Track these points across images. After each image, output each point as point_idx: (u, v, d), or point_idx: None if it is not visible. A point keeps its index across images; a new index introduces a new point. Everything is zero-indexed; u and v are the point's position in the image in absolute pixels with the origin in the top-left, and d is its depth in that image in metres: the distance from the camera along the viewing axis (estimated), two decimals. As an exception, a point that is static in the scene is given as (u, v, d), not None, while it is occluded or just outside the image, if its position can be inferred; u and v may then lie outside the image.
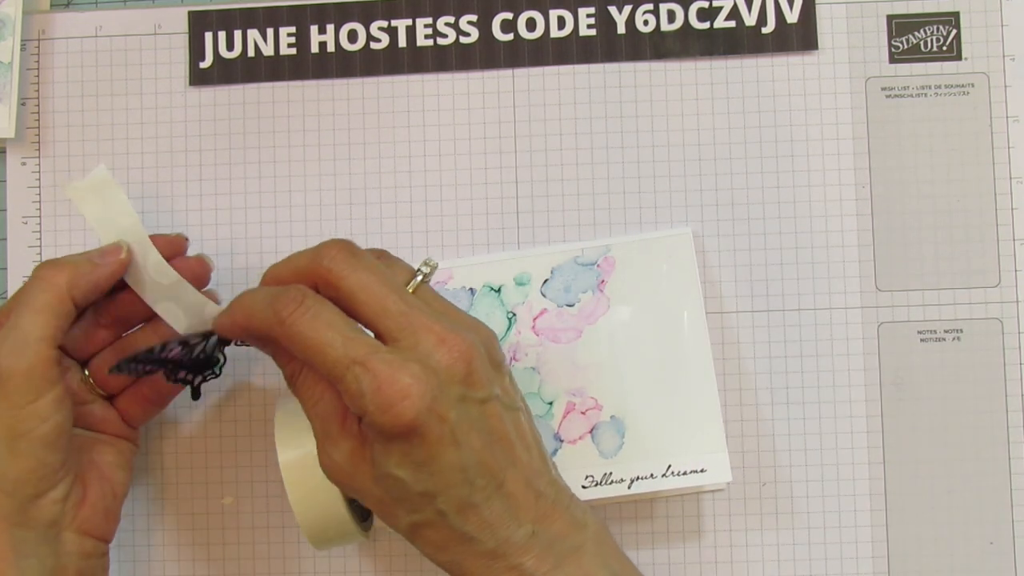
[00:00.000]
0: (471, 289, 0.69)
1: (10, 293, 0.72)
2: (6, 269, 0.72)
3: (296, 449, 0.62)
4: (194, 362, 0.62)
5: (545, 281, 0.68)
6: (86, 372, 0.65)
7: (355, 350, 0.54)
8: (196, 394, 0.64)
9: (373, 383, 0.54)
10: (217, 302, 0.64)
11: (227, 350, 0.63)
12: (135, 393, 0.66)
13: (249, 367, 0.71)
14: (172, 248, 0.65)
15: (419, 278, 0.58)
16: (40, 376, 0.59)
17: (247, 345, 0.60)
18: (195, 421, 0.71)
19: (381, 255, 0.60)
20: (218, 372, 0.64)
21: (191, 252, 0.67)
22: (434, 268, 0.59)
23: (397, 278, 0.58)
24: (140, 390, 0.66)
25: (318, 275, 0.57)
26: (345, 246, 0.57)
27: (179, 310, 0.63)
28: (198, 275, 0.65)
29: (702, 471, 0.66)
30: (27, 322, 0.59)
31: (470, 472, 0.55)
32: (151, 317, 0.64)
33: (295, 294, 0.56)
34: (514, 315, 0.68)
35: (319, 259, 0.57)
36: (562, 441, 0.67)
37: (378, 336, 0.56)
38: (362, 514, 0.65)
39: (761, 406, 0.70)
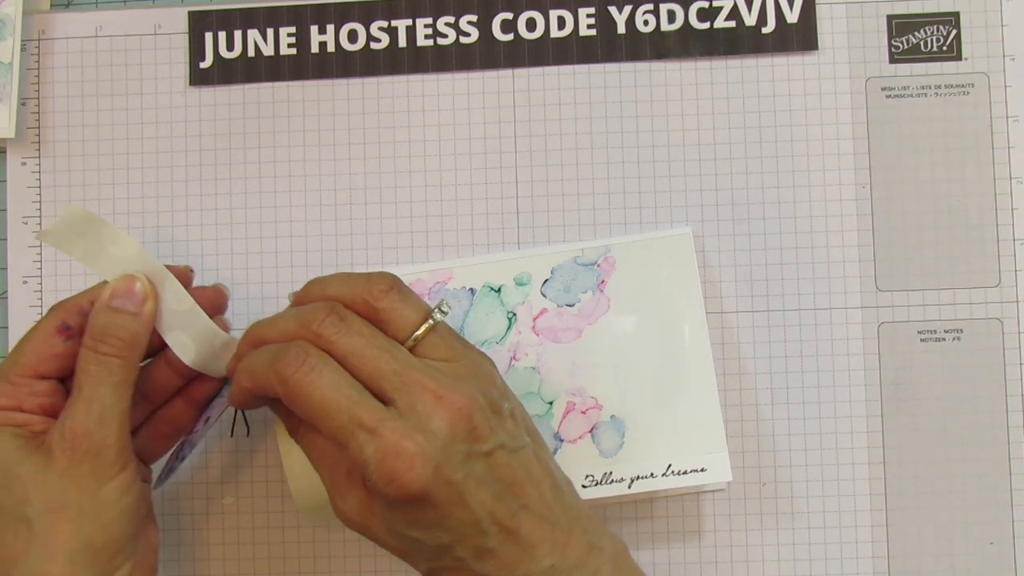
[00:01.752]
0: (471, 289, 0.69)
1: (10, 293, 0.72)
2: (6, 269, 0.72)
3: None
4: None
5: (545, 281, 0.69)
6: None
7: (360, 415, 0.54)
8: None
9: (377, 453, 0.53)
10: (227, 330, 0.64)
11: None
12: (154, 431, 0.65)
13: (249, 367, 0.71)
14: (180, 280, 0.64)
15: (430, 322, 0.57)
16: (125, 447, 0.59)
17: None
18: (195, 421, 0.71)
19: (392, 288, 0.58)
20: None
21: (198, 263, 0.67)
22: (446, 313, 0.58)
23: (401, 326, 0.57)
24: (160, 428, 0.65)
25: (308, 340, 0.56)
26: (332, 310, 0.56)
27: (189, 340, 0.62)
28: (215, 305, 0.65)
29: (702, 470, 0.66)
30: (109, 394, 0.59)
31: (483, 524, 0.55)
32: (157, 351, 0.64)
33: (297, 353, 0.55)
34: (514, 315, 0.68)
35: (308, 324, 0.56)
36: (562, 441, 0.67)
37: (376, 397, 0.56)
38: None
39: (761, 406, 0.70)
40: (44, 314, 0.62)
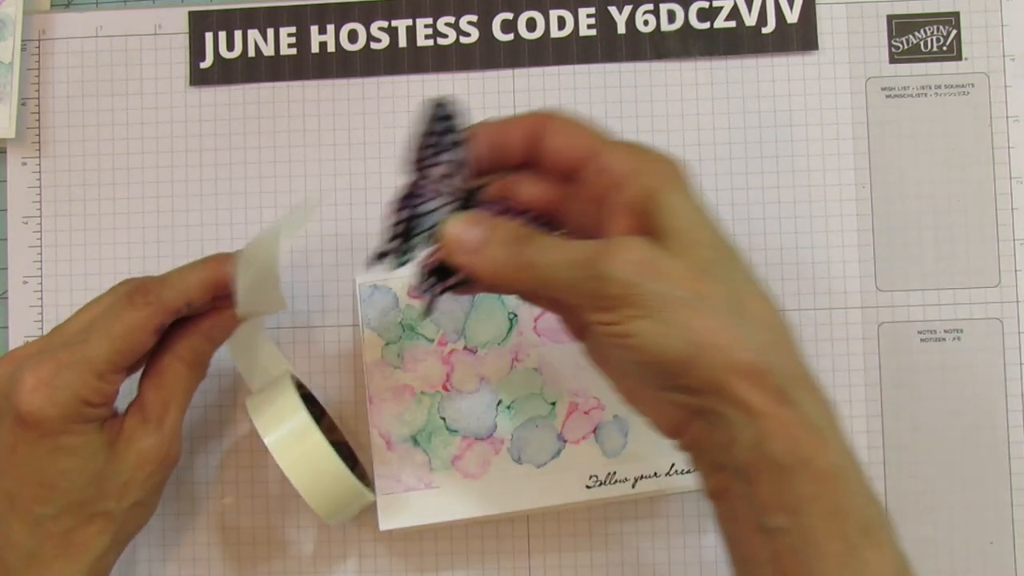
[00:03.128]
0: (472, 289, 0.69)
1: (10, 293, 0.72)
2: (6, 269, 0.72)
3: (277, 430, 0.63)
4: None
5: (546, 281, 0.69)
6: None
7: None
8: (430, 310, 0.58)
9: None
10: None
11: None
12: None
13: (249, 367, 0.71)
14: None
15: None
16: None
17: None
18: (195, 421, 0.71)
19: None
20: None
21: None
22: None
23: None
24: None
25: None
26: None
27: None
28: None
29: (705, 470, 0.66)
30: (186, 400, 0.65)
31: None
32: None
33: None
34: (515, 316, 0.68)
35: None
36: (565, 441, 0.67)
37: None
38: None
39: (761, 406, 0.69)
40: (127, 295, 0.62)
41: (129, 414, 0.63)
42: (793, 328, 0.51)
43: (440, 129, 0.55)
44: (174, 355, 0.64)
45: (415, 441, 0.68)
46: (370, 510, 0.67)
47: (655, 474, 0.67)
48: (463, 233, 0.54)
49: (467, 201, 0.56)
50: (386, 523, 0.67)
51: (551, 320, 0.68)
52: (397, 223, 0.56)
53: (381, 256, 0.56)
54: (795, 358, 0.51)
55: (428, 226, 0.56)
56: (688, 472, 0.66)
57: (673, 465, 0.66)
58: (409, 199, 0.56)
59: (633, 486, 0.66)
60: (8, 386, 0.59)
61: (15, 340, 0.72)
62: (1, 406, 0.60)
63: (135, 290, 0.62)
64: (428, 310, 0.57)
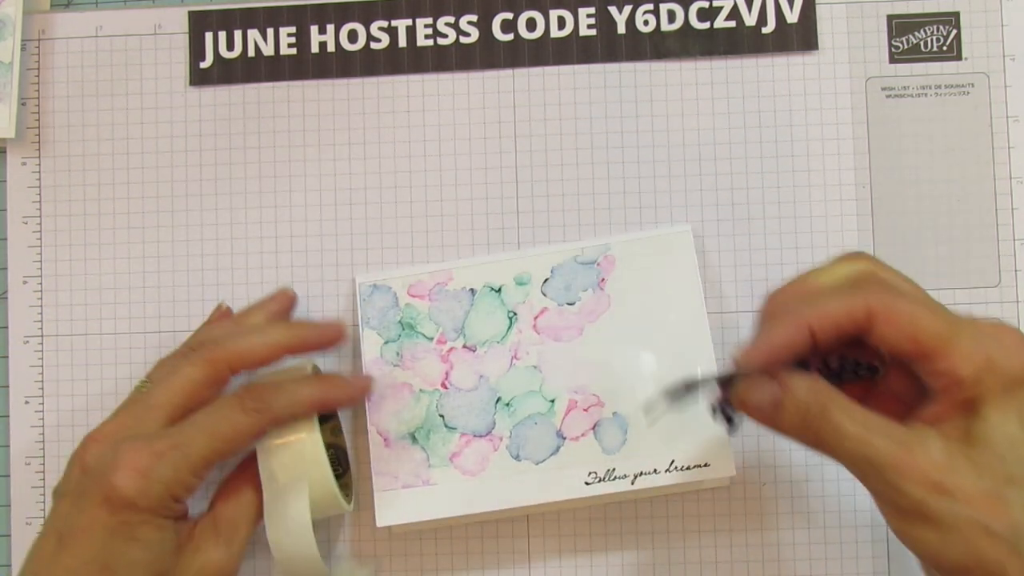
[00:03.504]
0: (471, 290, 0.69)
1: (10, 293, 0.72)
2: (6, 269, 0.72)
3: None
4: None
5: (546, 280, 0.69)
6: None
7: None
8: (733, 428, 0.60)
9: None
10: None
11: None
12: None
13: (249, 367, 0.71)
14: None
15: None
16: None
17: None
18: (195, 421, 0.71)
19: None
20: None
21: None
22: None
23: None
24: None
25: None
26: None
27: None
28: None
29: (706, 465, 0.66)
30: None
31: None
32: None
33: None
34: (515, 314, 0.68)
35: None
36: (565, 438, 0.67)
37: None
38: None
39: (761, 406, 0.69)
40: (238, 398, 0.62)
41: (202, 523, 0.63)
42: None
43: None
44: (254, 477, 0.64)
45: (413, 438, 0.67)
46: (369, 509, 0.67)
47: (655, 470, 0.66)
48: (755, 396, 0.55)
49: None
50: (383, 520, 0.67)
51: (551, 318, 0.68)
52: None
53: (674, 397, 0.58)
54: None
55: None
56: (687, 468, 0.66)
57: (673, 462, 0.66)
58: None
59: (632, 483, 0.66)
60: (101, 466, 0.59)
61: (15, 340, 0.72)
62: (88, 483, 0.60)
63: (247, 394, 0.62)
64: (732, 430, 0.59)
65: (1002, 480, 0.51)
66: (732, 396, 0.56)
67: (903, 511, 0.52)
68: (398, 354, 0.68)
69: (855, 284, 0.56)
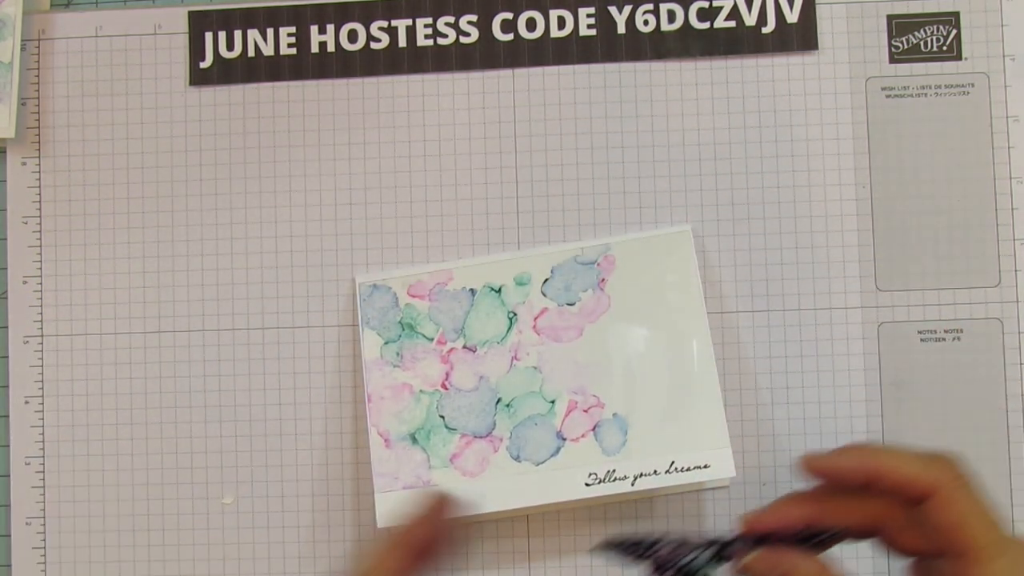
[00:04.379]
0: (471, 290, 0.69)
1: (10, 293, 0.72)
2: (6, 269, 0.72)
3: None
4: (681, 571, 0.60)
5: (545, 280, 0.69)
6: None
7: None
8: None
9: None
10: None
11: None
12: None
13: (249, 366, 0.71)
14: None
15: None
16: None
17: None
18: (195, 421, 0.71)
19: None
20: None
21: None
22: None
23: None
24: None
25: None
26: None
27: None
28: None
29: (706, 467, 0.66)
30: None
31: None
32: None
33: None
34: (515, 315, 0.68)
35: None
36: (565, 439, 0.67)
37: None
38: None
39: (761, 406, 0.70)
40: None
41: None
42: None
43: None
44: None
45: (414, 439, 0.68)
46: (369, 508, 0.67)
47: (655, 472, 0.66)
48: (761, 571, 0.57)
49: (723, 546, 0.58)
50: (384, 520, 0.67)
51: (551, 319, 0.68)
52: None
53: None
54: None
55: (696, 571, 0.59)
56: (688, 470, 0.66)
57: (673, 463, 0.66)
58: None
59: (633, 484, 0.66)
60: None
61: (15, 340, 0.72)
62: None
63: None
64: None
65: None
66: (735, 564, 0.58)
67: None
68: (398, 354, 0.68)
69: (931, 458, 0.56)
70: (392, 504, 0.67)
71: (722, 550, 0.58)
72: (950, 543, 0.54)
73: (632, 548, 0.59)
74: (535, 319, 0.68)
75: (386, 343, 0.68)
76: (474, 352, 0.68)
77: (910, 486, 0.54)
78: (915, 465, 0.55)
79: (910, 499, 0.55)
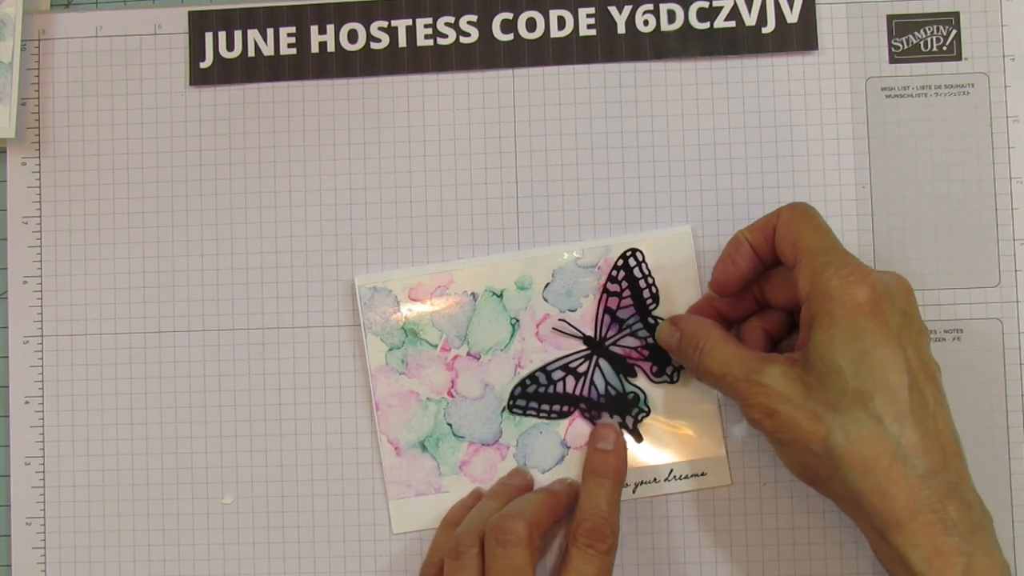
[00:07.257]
0: (473, 294, 0.69)
1: (10, 293, 0.72)
2: (6, 269, 0.72)
3: None
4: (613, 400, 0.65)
5: (547, 285, 0.69)
6: None
7: None
8: (638, 436, 0.68)
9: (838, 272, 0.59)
10: None
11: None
12: None
13: (249, 367, 0.71)
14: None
15: None
16: None
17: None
18: (195, 421, 0.71)
19: None
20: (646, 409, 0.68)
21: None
22: None
23: None
24: None
25: None
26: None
27: None
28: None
29: (703, 475, 0.67)
30: None
31: (913, 375, 0.58)
32: None
33: None
34: (517, 321, 0.68)
35: None
36: (568, 448, 0.67)
37: None
38: None
39: (761, 406, 0.69)
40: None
41: None
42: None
43: None
44: None
45: (423, 447, 0.68)
46: (369, 508, 0.68)
47: (655, 480, 0.67)
48: (664, 337, 0.66)
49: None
50: (399, 526, 0.68)
51: (552, 325, 0.68)
52: None
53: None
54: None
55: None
56: (686, 478, 0.67)
57: (672, 471, 0.67)
58: None
59: (633, 491, 0.67)
60: None
61: (15, 340, 0.72)
62: None
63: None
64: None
65: (823, 404, 0.58)
66: (656, 338, 0.67)
67: (755, 423, 0.60)
68: (403, 361, 0.68)
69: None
70: (407, 510, 0.68)
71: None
72: (792, 257, 0.61)
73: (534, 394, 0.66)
74: (537, 326, 0.68)
75: (390, 349, 0.68)
76: (478, 360, 0.68)
77: (768, 230, 0.63)
78: (763, 218, 0.64)
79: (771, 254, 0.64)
